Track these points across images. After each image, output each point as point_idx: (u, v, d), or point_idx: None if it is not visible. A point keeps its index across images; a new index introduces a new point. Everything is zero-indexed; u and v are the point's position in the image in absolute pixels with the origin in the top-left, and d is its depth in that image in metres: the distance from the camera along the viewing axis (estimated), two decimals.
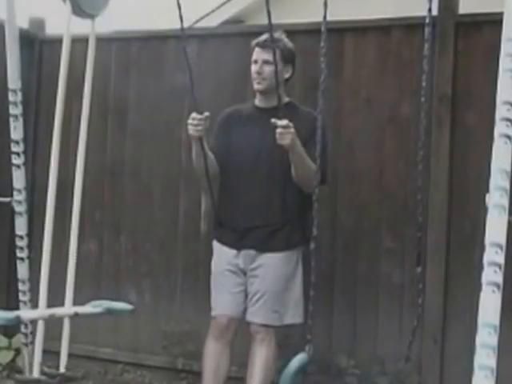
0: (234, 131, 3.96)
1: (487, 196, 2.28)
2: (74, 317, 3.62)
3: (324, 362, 4.42)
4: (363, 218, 4.54)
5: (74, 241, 3.74)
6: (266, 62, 3.85)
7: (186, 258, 4.94)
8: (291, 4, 7.29)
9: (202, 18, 8.18)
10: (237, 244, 3.87)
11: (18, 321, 3.35)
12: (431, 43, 3.37)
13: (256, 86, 3.92)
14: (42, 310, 3.50)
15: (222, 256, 3.93)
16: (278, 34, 3.88)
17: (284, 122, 3.60)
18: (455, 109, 4.31)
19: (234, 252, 3.88)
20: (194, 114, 3.75)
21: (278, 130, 3.61)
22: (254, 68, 3.91)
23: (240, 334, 3.94)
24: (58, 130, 3.72)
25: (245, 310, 3.88)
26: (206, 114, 3.76)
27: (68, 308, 3.65)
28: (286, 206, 3.86)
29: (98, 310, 3.65)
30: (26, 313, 3.45)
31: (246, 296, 3.87)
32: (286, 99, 3.91)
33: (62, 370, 3.67)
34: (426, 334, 4.26)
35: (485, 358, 2.04)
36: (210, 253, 4.04)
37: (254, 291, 3.84)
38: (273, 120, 3.60)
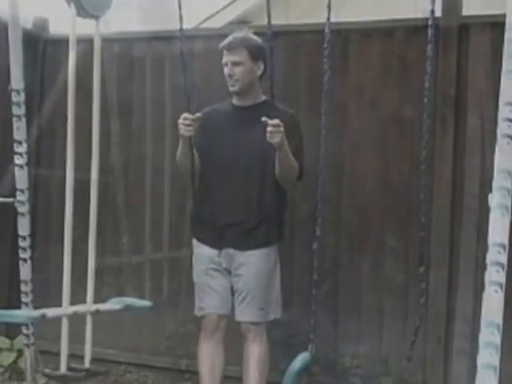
0: (213, 130, 3.98)
1: (490, 196, 2.28)
2: (96, 313, 3.68)
3: (328, 362, 4.42)
4: (367, 218, 4.55)
5: (92, 239, 3.76)
6: (235, 64, 3.89)
7: (190, 258, 4.94)
8: (300, 5, 7.32)
9: (207, 19, 8.19)
10: (217, 244, 3.91)
11: (43, 319, 3.40)
12: (434, 44, 3.39)
13: (231, 89, 3.96)
14: (66, 308, 3.57)
15: (204, 255, 3.97)
16: (243, 34, 3.92)
17: (275, 121, 3.63)
18: (459, 110, 4.31)
19: (215, 252, 3.92)
20: (185, 114, 3.79)
21: (269, 129, 3.63)
22: (225, 71, 3.94)
23: (238, 333, 3.94)
24: (72, 132, 3.72)
25: (232, 308, 3.92)
26: (198, 114, 3.81)
27: (90, 305, 3.69)
28: (263, 204, 3.89)
29: (119, 306, 3.71)
30: (50, 311, 3.51)
31: (232, 293, 3.92)
32: (262, 97, 3.97)
33: (87, 365, 3.71)
34: (430, 333, 4.26)
35: (488, 357, 2.05)
36: None
37: (240, 290, 3.89)
38: (263, 118, 3.63)
